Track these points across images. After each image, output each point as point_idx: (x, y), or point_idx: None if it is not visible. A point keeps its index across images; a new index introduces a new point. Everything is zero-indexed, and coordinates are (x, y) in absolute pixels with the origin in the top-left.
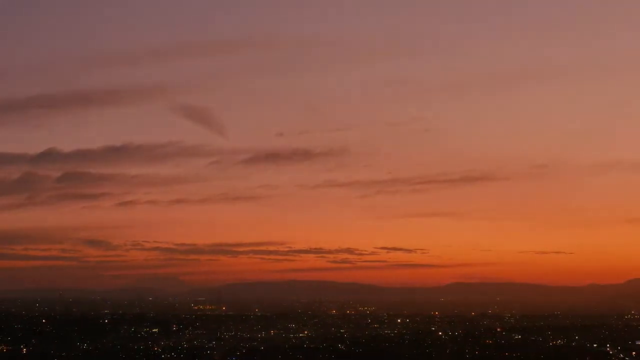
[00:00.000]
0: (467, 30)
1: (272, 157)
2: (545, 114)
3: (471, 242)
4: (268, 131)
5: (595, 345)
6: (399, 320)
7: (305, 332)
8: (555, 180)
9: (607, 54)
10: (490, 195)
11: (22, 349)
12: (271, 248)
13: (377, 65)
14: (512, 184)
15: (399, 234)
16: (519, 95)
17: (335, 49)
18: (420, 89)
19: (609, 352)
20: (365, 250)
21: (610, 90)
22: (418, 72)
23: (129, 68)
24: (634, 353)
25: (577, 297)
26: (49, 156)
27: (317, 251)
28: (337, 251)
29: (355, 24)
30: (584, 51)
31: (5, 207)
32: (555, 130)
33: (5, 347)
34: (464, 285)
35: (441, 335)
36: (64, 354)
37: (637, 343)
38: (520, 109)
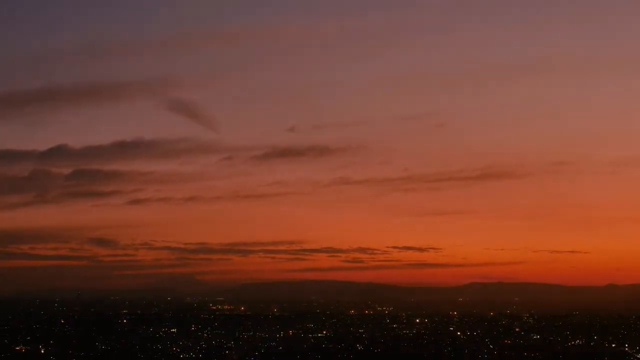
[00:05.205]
0: (483, 21)
1: (284, 153)
2: (565, 109)
3: (484, 241)
4: (279, 127)
5: (613, 345)
6: (417, 320)
7: (324, 332)
8: (574, 178)
9: (630, 48)
10: (507, 193)
11: (40, 349)
12: (282, 247)
13: (390, 58)
14: (530, 182)
15: (413, 232)
16: (537, 89)
17: (347, 42)
18: (436, 83)
19: (627, 351)
20: (377, 250)
21: (632, 86)
22: (433, 65)
23: (139, 62)
24: None
25: (596, 297)
26: (58, 153)
27: (329, 250)
28: (349, 250)
29: (369, 16)
30: (605, 44)
31: (13, 206)
32: (575, 126)
33: (23, 347)
34: (481, 285)
35: (460, 336)
36: (82, 354)
37: None
38: (540, 103)
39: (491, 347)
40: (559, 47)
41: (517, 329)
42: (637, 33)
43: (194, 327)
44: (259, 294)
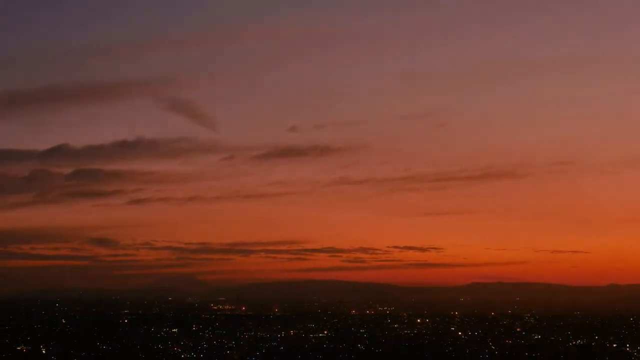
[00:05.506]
0: (484, 21)
1: (285, 153)
2: (566, 109)
3: (485, 241)
4: (280, 126)
5: (615, 345)
6: (418, 320)
7: (325, 332)
8: (575, 178)
9: (630, 48)
10: (508, 193)
11: (41, 349)
12: (283, 247)
13: (391, 58)
14: (531, 182)
15: (414, 232)
16: (538, 89)
17: (347, 42)
18: (436, 82)
19: (628, 351)
20: (378, 249)
21: (632, 86)
22: (433, 65)
23: (139, 62)
24: None
25: (597, 297)
26: (59, 152)
27: (330, 250)
28: (350, 250)
29: (370, 15)
30: (605, 44)
31: (14, 205)
32: (576, 126)
33: (24, 347)
34: (482, 285)
35: (461, 336)
36: (83, 354)
37: None
38: (541, 103)
39: (492, 347)
40: (560, 47)
41: (518, 329)
42: (637, 33)
43: (195, 327)
44: (260, 294)
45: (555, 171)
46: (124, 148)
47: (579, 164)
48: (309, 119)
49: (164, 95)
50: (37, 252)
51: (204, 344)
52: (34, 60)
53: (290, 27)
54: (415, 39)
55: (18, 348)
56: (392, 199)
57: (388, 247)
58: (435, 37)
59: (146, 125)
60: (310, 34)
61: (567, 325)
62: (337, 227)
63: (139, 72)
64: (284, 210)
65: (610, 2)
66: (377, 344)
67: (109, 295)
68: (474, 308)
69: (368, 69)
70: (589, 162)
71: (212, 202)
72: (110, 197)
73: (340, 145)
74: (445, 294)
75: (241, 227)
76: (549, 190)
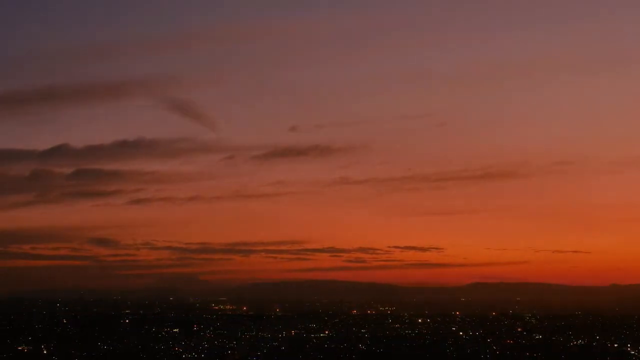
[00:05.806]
0: (484, 20)
1: (286, 153)
2: (567, 108)
3: (486, 240)
4: (281, 126)
5: (616, 345)
6: (419, 320)
7: (326, 332)
8: (576, 178)
9: (631, 48)
10: (509, 192)
11: (42, 349)
12: (284, 247)
13: (391, 58)
14: (533, 181)
15: (415, 232)
16: (539, 89)
17: (348, 41)
18: (437, 82)
19: (629, 352)
20: (379, 249)
21: (634, 85)
22: (434, 65)
23: (139, 61)
24: None
25: (598, 297)
26: (59, 152)
27: (331, 250)
28: (351, 250)
29: (370, 15)
30: (606, 44)
31: (14, 205)
32: (577, 126)
33: (26, 347)
34: (484, 285)
35: (462, 335)
36: (84, 354)
37: None
38: (542, 103)
39: (493, 347)
40: (561, 47)
41: (519, 329)
42: (637, 33)
43: (196, 327)
44: (261, 294)
45: (555, 171)
46: (124, 148)
47: (579, 164)
48: (309, 119)
49: (164, 95)
50: (37, 252)
51: (205, 344)
52: (34, 60)
53: (291, 27)
54: (415, 39)
55: (19, 348)
56: (393, 199)
57: (389, 247)
58: (436, 37)
59: (146, 125)
60: (310, 34)
61: (568, 326)
62: (337, 227)
63: (139, 72)
64: (284, 210)
65: (611, 2)
66: (378, 344)
67: (109, 296)
68: (475, 308)
69: (368, 69)
70: (589, 162)
71: (212, 202)
72: (110, 197)
73: (340, 145)
74: (446, 294)
75: (241, 227)
76: (549, 190)
